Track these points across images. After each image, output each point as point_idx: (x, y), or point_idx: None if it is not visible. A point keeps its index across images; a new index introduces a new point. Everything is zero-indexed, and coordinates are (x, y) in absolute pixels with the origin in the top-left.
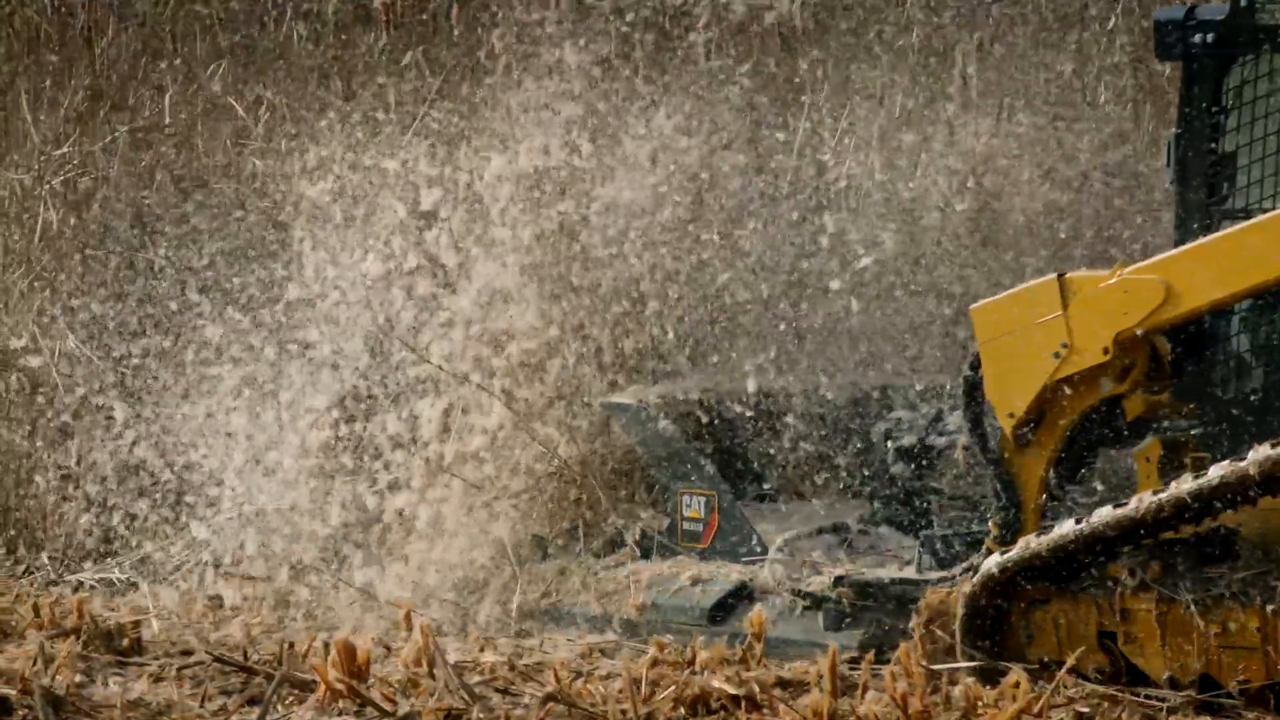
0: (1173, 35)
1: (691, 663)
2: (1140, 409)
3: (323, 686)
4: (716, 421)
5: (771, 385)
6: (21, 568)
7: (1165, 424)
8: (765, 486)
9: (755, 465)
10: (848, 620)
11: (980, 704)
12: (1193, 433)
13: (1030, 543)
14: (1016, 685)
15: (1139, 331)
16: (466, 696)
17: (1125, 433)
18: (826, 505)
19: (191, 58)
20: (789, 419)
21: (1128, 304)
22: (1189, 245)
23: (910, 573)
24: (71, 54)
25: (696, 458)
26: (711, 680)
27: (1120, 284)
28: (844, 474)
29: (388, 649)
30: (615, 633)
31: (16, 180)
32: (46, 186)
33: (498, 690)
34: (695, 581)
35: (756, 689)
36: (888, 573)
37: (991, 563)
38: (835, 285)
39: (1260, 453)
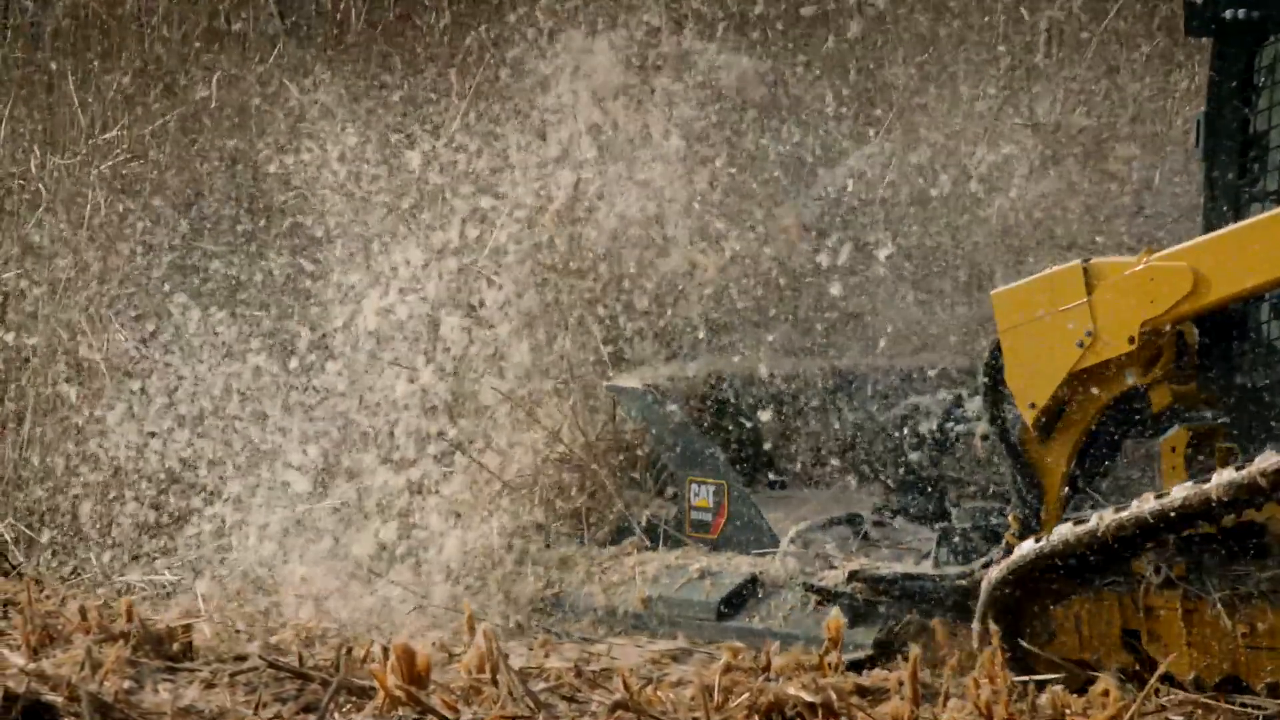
0: (1203, 10)
1: (766, 669)
2: (1167, 400)
3: (381, 693)
4: (727, 406)
5: (784, 368)
6: (68, 569)
7: (1193, 413)
8: (777, 475)
9: (767, 452)
10: (862, 616)
11: (1068, 712)
12: (1220, 422)
13: (992, 573)
14: (1105, 693)
15: (1166, 321)
16: (531, 704)
17: (1151, 424)
18: (840, 495)
19: (245, 37)
20: (802, 404)
21: (1155, 292)
22: (1220, 231)
23: (927, 567)
24: (120, 34)
25: (706, 444)
26: (787, 687)
27: (1147, 271)
28: (859, 462)
29: (449, 654)
30: (619, 626)
31: (63, 166)
32: (94, 172)
33: (564, 698)
34: (704, 574)
35: (834, 696)
36: (904, 567)
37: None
38: (875, 270)
39: (1224, 476)
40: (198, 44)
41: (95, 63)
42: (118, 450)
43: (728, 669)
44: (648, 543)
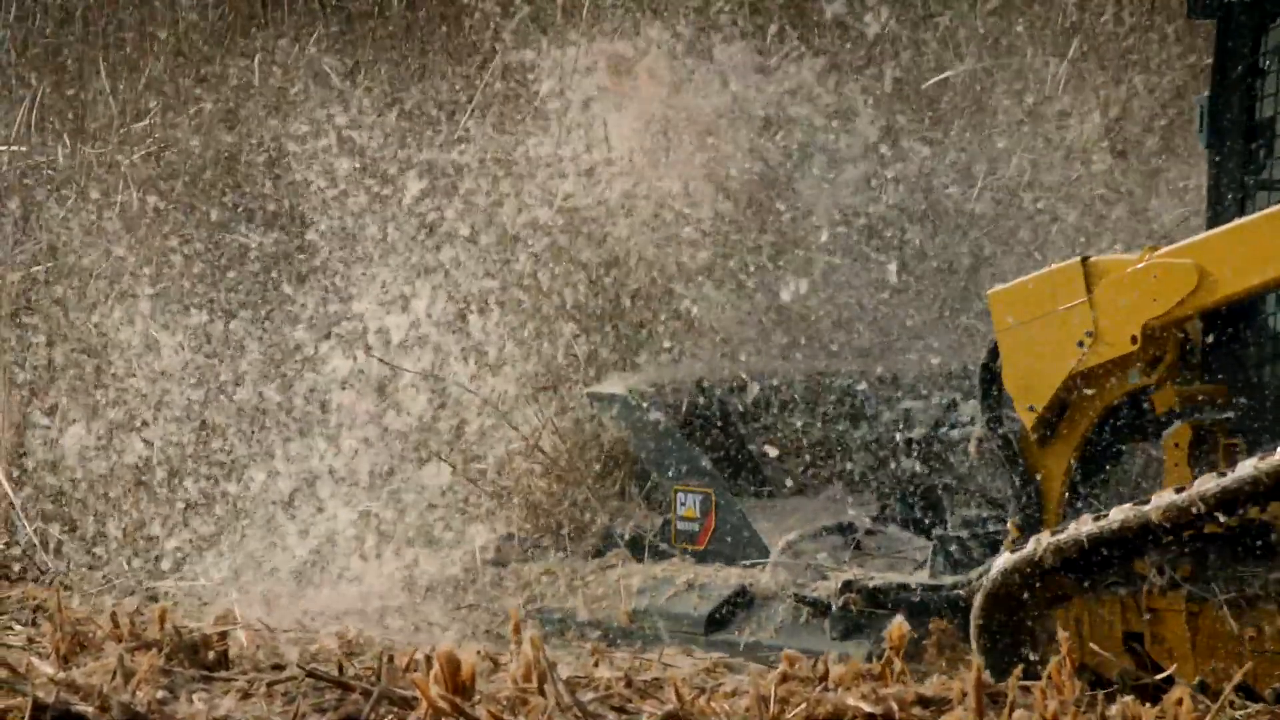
0: None
1: (824, 678)
2: (1171, 401)
3: (424, 703)
4: (713, 412)
5: (772, 372)
6: (100, 574)
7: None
8: (766, 483)
9: (755, 459)
10: (856, 629)
11: None
12: (1224, 417)
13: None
14: (1179, 702)
15: (1170, 320)
16: (580, 714)
17: (1155, 426)
18: (832, 503)
19: (283, 20)
20: (791, 408)
21: (1157, 290)
22: (1224, 227)
23: (923, 577)
24: (153, 17)
25: (692, 452)
26: (845, 697)
27: (1149, 268)
28: (851, 469)
29: (494, 663)
30: (604, 641)
31: (94, 155)
32: (126, 163)
33: (614, 708)
34: (691, 586)
35: (895, 707)
36: (899, 577)
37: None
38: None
39: (1163, 498)
40: (233, 26)
41: (127, 47)
42: (150, 452)
43: (784, 678)
44: (632, 555)
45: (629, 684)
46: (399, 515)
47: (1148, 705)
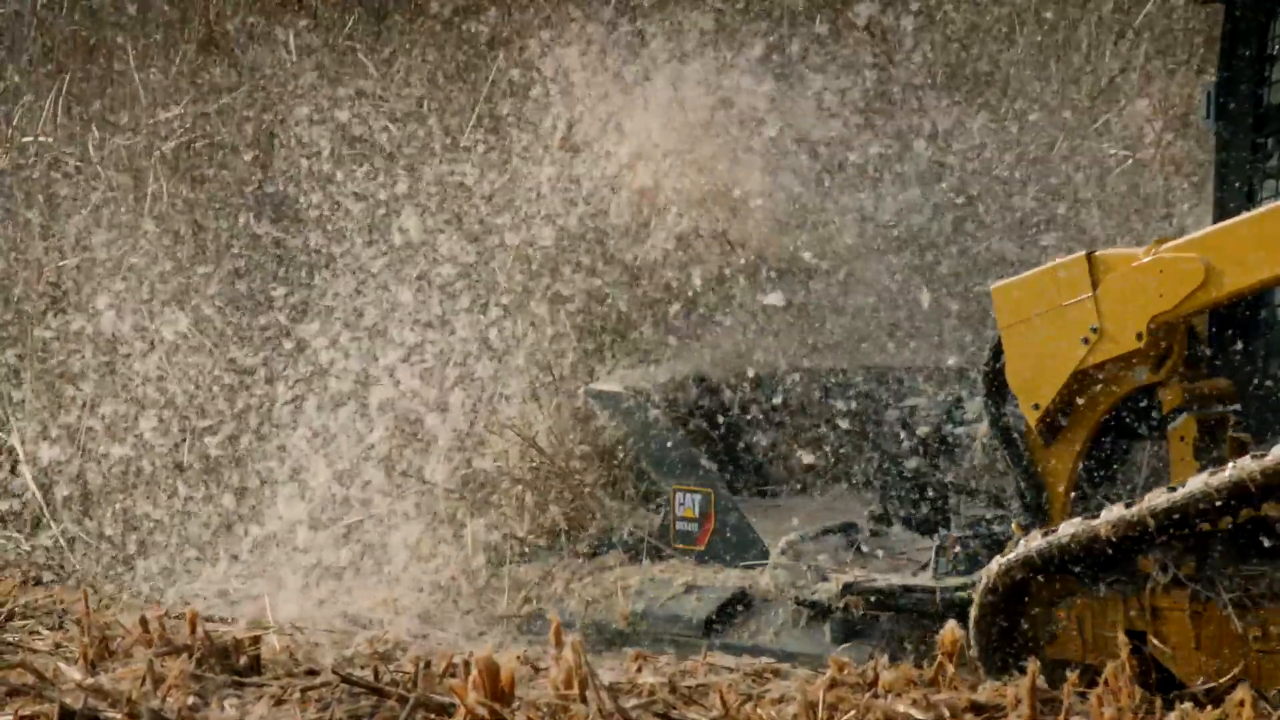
0: None
1: (874, 684)
2: (1177, 399)
3: (462, 710)
4: (713, 411)
5: (772, 369)
6: (129, 576)
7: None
8: (766, 482)
9: (755, 458)
10: (857, 631)
11: None
12: (1231, 410)
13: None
14: (1241, 704)
15: (1176, 315)
16: None
17: (1161, 423)
18: (833, 502)
19: (318, 8)
20: (792, 407)
21: (1163, 285)
22: (1232, 220)
23: (926, 578)
24: (183, 4)
25: (691, 451)
26: (896, 704)
27: (1155, 263)
28: (853, 467)
29: (534, 669)
30: (602, 644)
31: (122, 145)
32: (155, 152)
33: (657, 715)
34: (690, 588)
35: (946, 713)
36: (901, 579)
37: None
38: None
39: (1113, 512)
40: (266, 15)
41: (157, 35)
42: (181, 452)
43: (833, 684)
44: (630, 556)
45: (673, 690)
46: (395, 518)
47: (1209, 708)
